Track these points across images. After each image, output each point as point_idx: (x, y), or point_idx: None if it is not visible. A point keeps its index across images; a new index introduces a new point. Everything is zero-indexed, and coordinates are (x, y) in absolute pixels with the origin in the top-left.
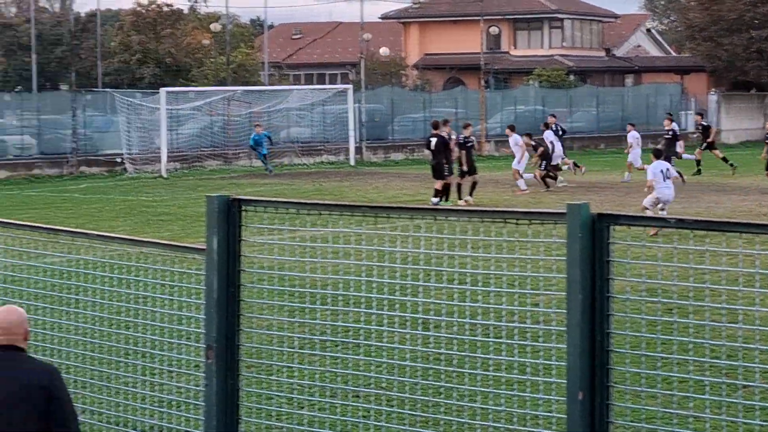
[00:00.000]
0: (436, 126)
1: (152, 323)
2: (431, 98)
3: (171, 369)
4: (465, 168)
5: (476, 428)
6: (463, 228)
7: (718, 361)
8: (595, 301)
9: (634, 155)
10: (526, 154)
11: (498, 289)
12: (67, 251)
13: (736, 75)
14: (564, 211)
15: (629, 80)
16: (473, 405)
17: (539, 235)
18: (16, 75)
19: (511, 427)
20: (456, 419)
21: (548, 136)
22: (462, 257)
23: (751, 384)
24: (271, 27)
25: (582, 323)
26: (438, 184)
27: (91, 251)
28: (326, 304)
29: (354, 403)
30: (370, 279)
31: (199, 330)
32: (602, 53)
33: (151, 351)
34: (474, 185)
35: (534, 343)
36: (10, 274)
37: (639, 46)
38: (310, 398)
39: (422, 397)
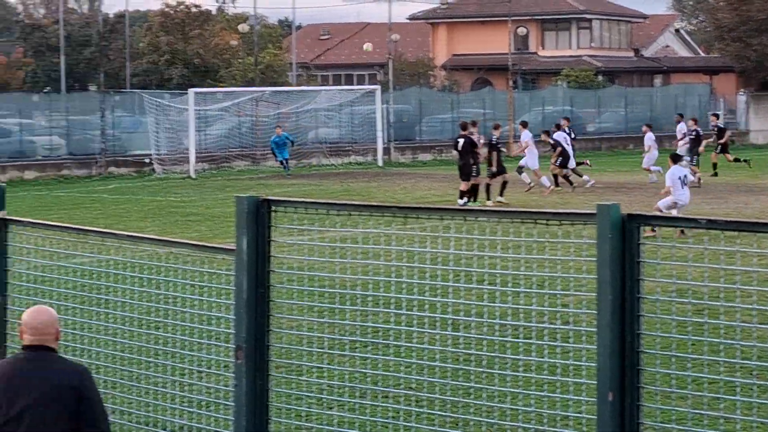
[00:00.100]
0: (464, 127)
1: (182, 323)
2: (459, 99)
3: (200, 369)
4: (494, 169)
5: (506, 429)
6: (493, 229)
7: (748, 362)
8: (625, 302)
9: (650, 158)
10: (534, 150)
11: (527, 290)
12: (97, 251)
13: (765, 75)
14: (594, 211)
15: (658, 81)
16: (502, 406)
17: (569, 235)
18: (44, 76)
19: (540, 427)
20: (485, 420)
21: (557, 137)
22: (491, 258)
23: None
24: (299, 28)
25: (612, 324)
26: (463, 186)
27: (120, 252)
28: (355, 305)
29: (383, 404)
30: (399, 279)
31: (229, 330)
32: (631, 53)
33: (181, 351)
34: (504, 185)
35: (564, 344)
36: (40, 274)
37: (667, 46)
38: (339, 399)
39: (451, 398)
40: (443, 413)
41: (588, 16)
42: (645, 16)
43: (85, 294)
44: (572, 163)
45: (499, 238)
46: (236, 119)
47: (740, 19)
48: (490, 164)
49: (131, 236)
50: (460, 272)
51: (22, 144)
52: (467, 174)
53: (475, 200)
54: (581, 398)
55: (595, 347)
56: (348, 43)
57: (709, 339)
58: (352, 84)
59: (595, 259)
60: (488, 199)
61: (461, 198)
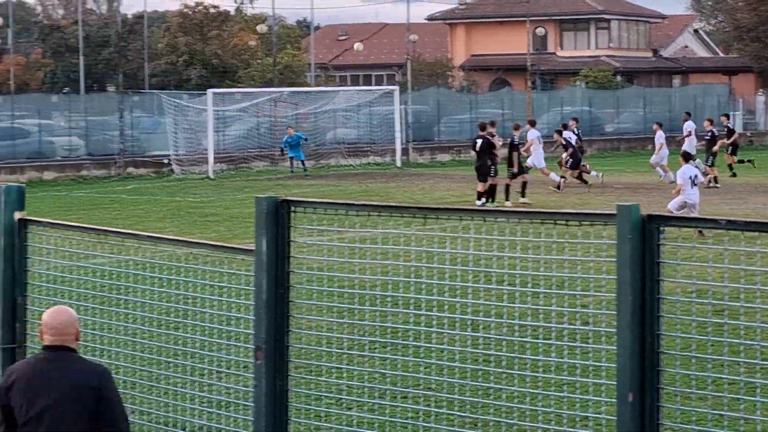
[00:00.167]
0: (482, 127)
1: (201, 324)
2: (477, 99)
3: (220, 370)
4: (515, 169)
5: (525, 430)
6: (512, 230)
7: None
8: (645, 303)
9: (661, 156)
10: (540, 149)
11: (547, 291)
12: (117, 252)
13: None
14: (614, 212)
15: (676, 81)
16: (522, 406)
17: (589, 236)
18: (63, 76)
19: (560, 428)
20: (504, 420)
21: (566, 134)
22: (511, 258)
23: None
24: (317, 28)
25: (632, 325)
26: (480, 186)
27: (140, 252)
28: (374, 305)
29: (401, 404)
30: (418, 280)
31: (248, 331)
32: (649, 54)
33: (200, 351)
34: (524, 185)
35: (583, 345)
36: (60, 274)
37: (686, 46)
38: (358, 399)
39: (470, 398)
40: (462, 414)
41: (606, 17)
42: (664, 17)
43: (105, 294)
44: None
45: (519, 239)
46: (255, 120)
47: (759, 19)
48: (510, 165)
49: (151, 237)
50: (479, 273)
51: (41, 144)
52: (484, 174)
53: (493, 201)
54: (601, 399)
55: (615, 348)
56: (366, 43)
57: (729, 340)
58: (370, 84)
59: (614, 259)
60: (507, 199)
61: (479, 199)
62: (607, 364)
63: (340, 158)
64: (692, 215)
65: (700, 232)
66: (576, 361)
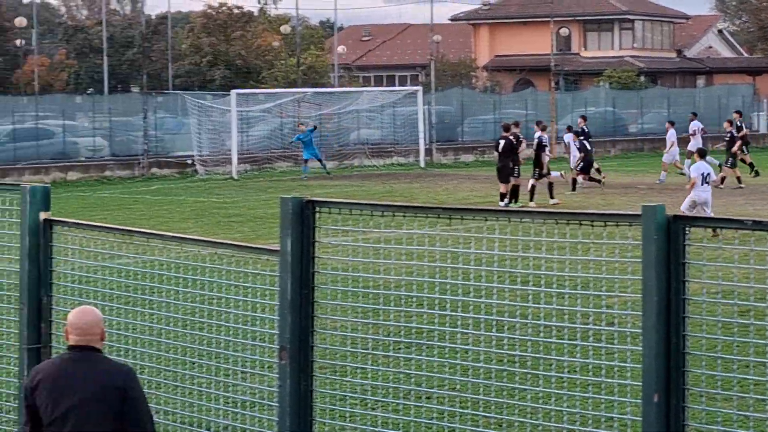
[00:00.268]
0: (506, 128)
1: (225, 324)
2: (501, 100)
3: (244, 370)
4: (545, 171)
5: (550, 430)
6: (537, 230)
7: None
8: (671, 304)
9: (672, 154)
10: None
11: (572, 291)
12: (142, 252)
13: None
14: (639, 213)
15: (700, 81)
16: (546, 407)
17: (614, 236)
18: (87, 77)
19: (584, 429)
20: (529, 421)
21: (567, 138)
22: (535, 259)
23: None
24: (340, 29)
25: (658, 325)
26: (503, 187)
27: (164, 252)
28: (399, 306)
29: (426, 405)
30: (442, 281)
31: (272, 331)
32: (673, 54)
33: (224, 352)
34: (551, 186)
35: (608, 345)
36: (84, 274)
37: (710, 47)
38: (382, 399)
39: (494, 399)
40: (486, 414)
41: (630, 17)
42: (687, 17)
43: (129, 294)
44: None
45: (544, 239)
46: (278, 120)
47: None
48: (536, 165)
49: (176, 237)
50: (503, 273)
51: (66, 145)
52: (506, 175)
53: (516, 201)
54: (626, 400)
55: (640, 348)
56: (390, 44)
57: (754, 340)
58: (393, 85)
59: (639, 260)
60: (531, 200)
61: (502, 200)
62: (632, 365)
63: (364, 159)
64: (703, 214)
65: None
66: (601, 362)
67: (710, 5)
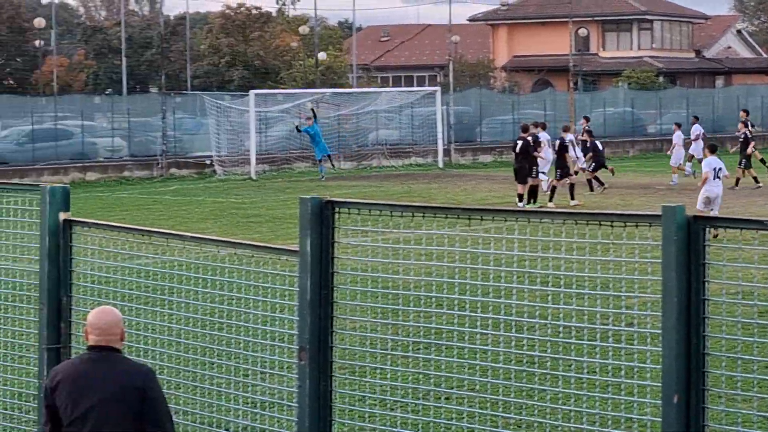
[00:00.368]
0: (525, 129)
1: (244, 324)
2: (519, 100)
3: (263, 370)
4: (571, 171)
5: (569, 430)
6: (556, 231)
7: None
8: (691, 304)
9: (678, 156)
10: (549, 154)
11: (591, 292)
12: (161, 252)
13: None
14: (659, 213)
15: (719, 82)
16: (565, 407)
17: (634, 237)
18: (106, 78)
19: (604, 429)
20: (548, 421)
21: (568, 138)
22: (555, 259)
23: None
24: (359, 29)
25: (678, 326)
26: (520, 188)
27: (184, 253)
28: (418, 306)
29: (445, 405)
30: (462, 281)
31: (291, 331)
32: (692, 54)
33: (243, 352)
34: (572, 187)
35: (627, 346)
36: (104, 275)
37: (729, 47)
38: (401, 400)
39: (514, 399)
40: (505, 414)
41: (649, 17)
42: (706, 17)
43: (148, 295)
44: (581, 163)
45: (563, 240)
46: (297, 121)
47: None
48: (559, 166)
49: (195, 237)
50: (522, 274)
51: (84, 146)
52: (524, 176)
53: (534, 202)
54: (645, 400)
55: (660, 349)
56: (408, 44)
57: None
58: (412, 85)
59: (659, 260)
60: (550, 200)
61: (520, 201)
62: (651, 366)
63: (382, 159)
64: (714, 211)
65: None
66: (620, 362)
67: (729, 5)
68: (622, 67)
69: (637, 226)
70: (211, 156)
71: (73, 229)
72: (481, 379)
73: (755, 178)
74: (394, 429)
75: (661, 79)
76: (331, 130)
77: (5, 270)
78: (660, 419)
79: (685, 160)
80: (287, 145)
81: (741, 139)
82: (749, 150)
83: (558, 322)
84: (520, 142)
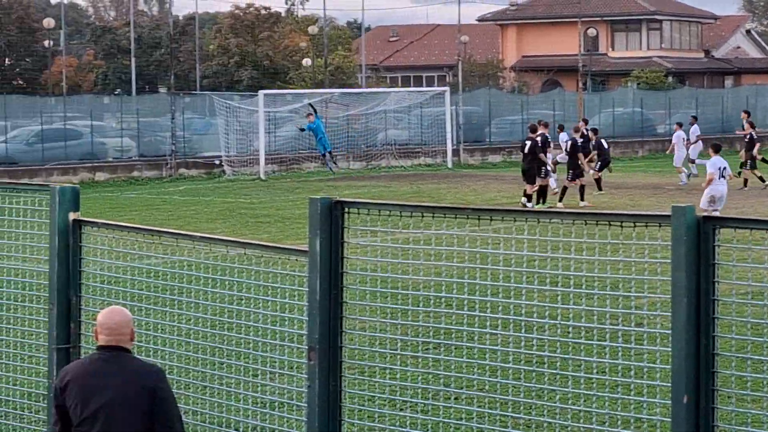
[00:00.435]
0: (533, 129)
1: (253, 324)
2: (528, 100)
3: (272, 370)
4: (592, 171)
5: (579, 431)
6: (566, 231)
7: None
8: (700, 304)
9: (678, 157)
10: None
11: (601, 292)
12: (170, 252)
13: None
14: (669, 213)
15: (728, 82)
16: (575, 408)
17: (643, 237)
18: (115, 78)
19: (613, 430)
20: (558, 422)
21: (563, 138)
22: (564, 259)
23: None
24: (368, 29)
25: (687, 326)
26: (529, 188)
27: (193, 253)
28: (427, 306)
29: (454, 405)
30: (471, 281)
31: (300, 331)
32: (701, 55)
33: (253, 352)
34: (582, 188)
35: (637, 346)
36: (113, 275)
37: (738, 47)
38: (410, 400)
39: (523, 399)
40: (515, 415)
41: (658, 17)
42: (715, 17)
43: (158, 295)
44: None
45: (573, 240)
46: (306, 121)
47: None
48: (572, 167)
49: (205, 237)
50: (532, 274)
51: (93, 146)
52: (532, 176)
53: (544, 202)
54: (655, 401)
55: (669, 350)
56: (417, 44)
57: None
58: (421, 86)
59: (669, 261)
60: (560, 200)
61: (529, 201)
62: (661, 366)
63: (391, 159)
64: (717, 212)
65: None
66: (630, 363)
67: (738, 5)
68: (631, 67)
69: (646, 226)
70: (220, 156)
71: (83, 229)
72: (491, 379)
73: (761, 178)
74: (403, 429)
75: (670, 79)
76: (340, 130)
77: (15, 270)
78: (669, 419)
79: (685, 162)
80: (296, 145)
81: (746, 140)
82: (755, 152)
83: (567, 323)
84: (528, 143)
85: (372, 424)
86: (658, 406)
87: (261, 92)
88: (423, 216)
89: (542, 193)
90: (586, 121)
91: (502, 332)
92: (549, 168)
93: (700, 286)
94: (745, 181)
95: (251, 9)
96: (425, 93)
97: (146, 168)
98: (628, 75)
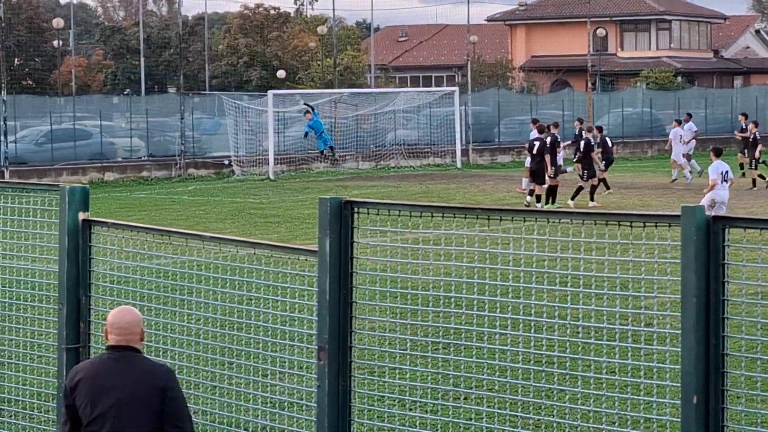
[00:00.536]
0: (541, 130)
1: (263, 324)
2: (538, 100)
3: (282, 370)
4: (600, 170)
5: (588, 431)
6: (575, 231)
7: None
8: (710, 304)
9: (677, 153)
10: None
11: (610, 292)
12: (180, 252)
13: None
14: (679, 213)
15: (738, 82)
16: (584, 408)
17: (653, 237)
18: (124, 78)
19: (623, 430)
20: (567, 422)
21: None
22: (574, 259)
23: None
24: (377, 29)
25: (697, 326)
26: (538, 189)
27: (203, 253)
28: (437, 306)
29: (463, 405)
30: (480, 281)
31: (310, 331)
32: (710, 55)
33: (262, 352)
34: (593, 188)
35: (646, 346)
36: (123, 275)
37: (748, 47)
38: (420, 400)
39: (532, 400)
40: (524, 415)
41: (667, 17)
42: (725, 17)
43: (167, 294)
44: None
45: (582, 240)
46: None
47: None
48: (586, 167)
49: (214, 237)
50: (541, 274)
51: (103, 146)
52: (540, 176)
53: (553, 202)
54: (664, 401)
55: (679, 350)
56: (426, 44)
57: None
58: (430, 86)
59: (678, 261)
60: (572, 199)
61: (538, 201)
62: (670, 366)
63: (401, 159)
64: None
65: None
66: (639, 363)
67: (747, 5)
68: (641, 68)
69: (656, 226)
70: (229, 156)
71: (92, 229)
72: (500, 379)
73: (761, 176)
74: (412, 429)
75: (679, 79)
76: (350, 130)
77: (25, 270)
78: (679, 420)
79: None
80: (305, 145)
81: (750, 140)
82: (757, 153)
83: (576, 323)
84: (536, 143)
85: (381, 424)
86: (667, 406)
87: (270, 92)
88: (432, 216)
89: (552, 193)
90: (581, 120)
91: (512, 332)
92: (562, 166)
93: (710, 286)
94: (754, 181)
95: (260, 9)
96: (434, 93)
97: (155, 168)
98: (637, 75)
